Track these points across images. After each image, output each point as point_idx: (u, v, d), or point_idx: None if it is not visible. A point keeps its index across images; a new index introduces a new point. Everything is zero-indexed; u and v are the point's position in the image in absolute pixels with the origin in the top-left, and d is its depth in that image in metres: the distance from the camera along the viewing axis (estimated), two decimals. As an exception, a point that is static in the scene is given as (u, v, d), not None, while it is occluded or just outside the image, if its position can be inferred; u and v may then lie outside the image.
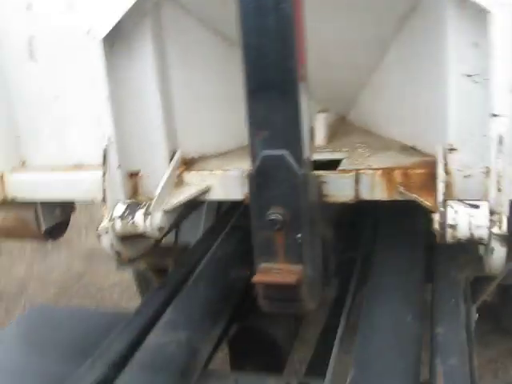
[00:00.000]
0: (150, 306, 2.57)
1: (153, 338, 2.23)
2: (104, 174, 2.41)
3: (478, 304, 2.49)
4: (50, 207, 2.88)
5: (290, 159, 2.04)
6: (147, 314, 2.49)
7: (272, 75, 1.99)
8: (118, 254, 2.45)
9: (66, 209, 2.96)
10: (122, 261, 2.50)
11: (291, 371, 3.63)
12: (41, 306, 4.20)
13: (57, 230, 2.96)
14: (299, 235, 2.10)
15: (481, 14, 1.99)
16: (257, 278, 2.13)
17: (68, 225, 3.04)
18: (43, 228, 2.86)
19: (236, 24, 2.00)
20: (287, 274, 2.11)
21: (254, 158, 2.09)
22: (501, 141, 2.02)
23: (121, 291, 5.37)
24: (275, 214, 2.04)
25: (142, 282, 4.13)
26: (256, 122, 2.06)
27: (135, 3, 2.25)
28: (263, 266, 2.16)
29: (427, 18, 2.31)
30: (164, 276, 2.92)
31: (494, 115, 2.02)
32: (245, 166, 2.47)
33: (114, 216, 2.40)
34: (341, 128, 2.95)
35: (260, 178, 2.09)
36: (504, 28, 1.95)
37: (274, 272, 2.13)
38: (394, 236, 2.78)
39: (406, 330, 2.21)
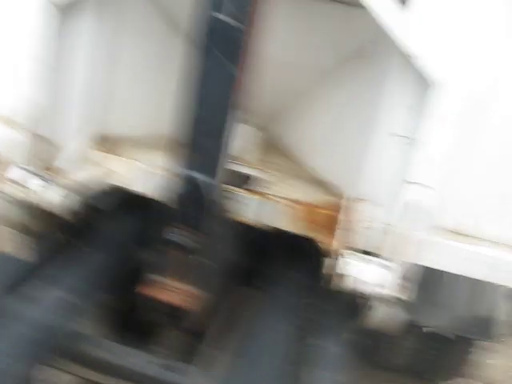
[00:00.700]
0: (32, 254, 2.52)
1: (28, 289, 2.18)
2: (10, 133, 2.27)
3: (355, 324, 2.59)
4: None
5: (205, 184, 2.06)
6: (26, 261, 2.41)
7: (207, 97, 1.99)
8: (5, 218, 2.32)
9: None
10: (6, 225, 2.37)
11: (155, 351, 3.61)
12: None
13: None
14: (198, 258, 2.11)
15: (421, 81, 2.03)
16: (145, 291, 2.13)
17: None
18: None
19: (184, 18, 1.96)
20: (177, 293, 2.14)
21: (170, 174, 2.09)
22: (407, 206, 2.07)
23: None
24: (179, 235, 2.05)
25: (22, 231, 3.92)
26: (180, 139, 2.06)
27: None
28: (154, 278, 2.16)
29: (370, 65, 2.33)
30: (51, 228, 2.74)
31: (408, 182, 2.06)
32: (155, 158, 2.42)
33: (8, 177, 2.27)
34: (263, 142, 2.94)
35: (171, 196, 2.09)
36: (443, 102, 2.00)
37: (163, 288, 2.15)
38: (285, 245, 2.79)
39: (282, 338, 2.26)
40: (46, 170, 2.39)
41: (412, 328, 3.66)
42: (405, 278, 2.23)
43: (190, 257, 2.12)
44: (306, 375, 2.06)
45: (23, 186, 2.27)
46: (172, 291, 2.12)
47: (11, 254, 2.51)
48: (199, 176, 2.05)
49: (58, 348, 2.14)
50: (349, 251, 2.15)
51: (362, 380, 4.19)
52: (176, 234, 2.04)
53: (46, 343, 2.05)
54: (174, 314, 2.15)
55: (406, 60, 2.04)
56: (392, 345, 3.77)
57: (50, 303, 2.12)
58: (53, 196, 2.29)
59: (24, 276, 2.28)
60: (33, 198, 2.27)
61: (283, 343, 2.22)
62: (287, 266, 2.65)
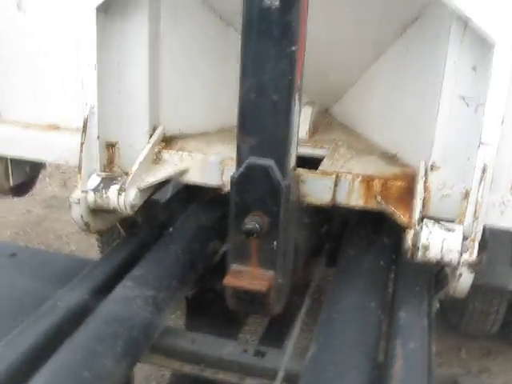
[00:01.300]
0: (117, 255, 2.59)
1: (120, 291, 2.25)
2: (82, 144, 2.34)
3: (440, 294, 2.56)
4: (20, 164, 2.81)
5: (275, 169, 2.06)
6: (113, 262, 2.52)
7: (269, 83, 1.97)
8: (87, 225, 2.42)
9: (36, 167, 2.88)
10: (89, 231, 2.45)
11: (244, 339, 3.68)
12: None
13: (24, 187, 2.88)
14: (275, 243, 2.11)
15: (484, 40, 1.98)
16: (228, 281, 2.15)
17: (35, 182, 2.96)
18: (11, 183, 2.78)
19: (235, 7, 1.99)
20: (258, 279, 2.14)
21: (239, 162, 2.09)
22: (485, 169, 2.03)
23: (79, 241, 5.30)
24: (253, 222, 2.04)
25: (104, 233, 4.06)
26: (246, 127, 2.06)
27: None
28: (235, 267, 2.18)
29: (428, 31, 2.29)
30: (131, 229, 2.87)
31: (482, 143, 2.02)
32: (225, 151, 2.45)
33: (87, 188, 2.35)
34: (323, 121, 2.92)
35: (243, 184, 2.10)
36: (506, 60, 1.93)
37: (245, 276, 2.15)
38: (363, 222, 2.81)
39: (369, 313, 2.27)
40: (123, 174, 2.41)
41: (500, 293, 3.61)
42: (487, 243, 2.18)
43: (268, 243, 2.12)
44: (393, 348, 2.06)
45: (102, 193, 2.31)
46: (255, 278, 2.14)
47: (94, 259, 2.58)
48: (270, 162, 2.06)
49: (154, 345, 2.22)
50: (429, 221, 2.10)
51: (454, 351, 4.16)
52: (252, 222, 2.03)
53: (143, 341, 2.12)
54: (258, 300, 2.17)
55: (463, 21, 2.00)
56: (481, 311, 3.71)
57: (140, 302, 2.18)
58: (130, 200, 2.32)
59: (110, 277, 2.38)
60: (112, 204, 2.31)
61: (370, 318, 2.23)
62: (368, 241, 2.64)
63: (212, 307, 2.62)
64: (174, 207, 2.90)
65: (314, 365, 1.99)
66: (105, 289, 2.28)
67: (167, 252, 2.55)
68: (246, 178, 2.11)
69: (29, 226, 5.69)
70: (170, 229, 2.67)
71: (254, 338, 3.95)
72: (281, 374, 2.11)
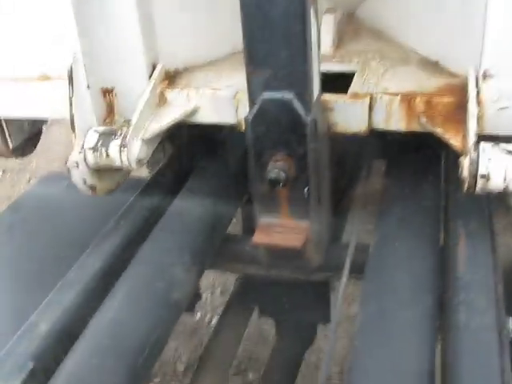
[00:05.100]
0: (169, 172, 2.57)
1: (178, 202, 2.26)
2: (70, 97, 2.00)
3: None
4: (17, 122, 2.56)
5: (297, 103, 1.73)
6: (167, 179, 2.52)
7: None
8: (93, 188, 2.12)
9: (36, 122, 2.57)
10: (96, 194, 2.16)
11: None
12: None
13: (26, 146, 2.61)
14: (306, 189, 1.84)
15: None
16: (257, 239, 1.91)
17: (39, 138, 2.67)
18: (11, 145, 2.50)
19: None
20: (292, 233, 1.89)
21: (251, 100, 1.77)
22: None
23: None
24: (277, 169, 1.76)
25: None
26: (255, 57, 1.71)
27: None
28: (264, 221, 1.93)
29: None
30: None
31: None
32: (239, 81, 2.09)
33: (84, 147, 2.02)
34: (348, 29, 2.52)
35: (259, 125, 1.79)
36: None
37: (276, 231, 1.92)
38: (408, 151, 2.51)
39: (427, 197, 2.19)
40: (124, 126, 2.14)
41: None
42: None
43: (299, 190, 1.87)
44: (455, 229, 1.99)
45: (102, 152, 2.00)
46: (288, 232, 1.92)
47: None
48: (290, 95, 1.75)
49: (218, 252, 2.25)
50: (487, 145, 1.78)
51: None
52: (276, 169, 1.78)
53: (207, 249, 2.15)
54: (295, 255, 1.98)
55: None
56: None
57: (200, 211, 2.20)
58: (135, 155, 2.01)
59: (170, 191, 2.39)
60: (115, 162, 2.00)
61: (428, 203, 2.14)
62: (415, 173, 2.37)
63: None
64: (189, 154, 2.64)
65: (378, 254, 1.95)
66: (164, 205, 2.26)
67: (218, 167, 2.48)
68: (263, 118, 1.79)
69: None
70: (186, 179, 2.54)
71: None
72: (347, 266, 2.04)
